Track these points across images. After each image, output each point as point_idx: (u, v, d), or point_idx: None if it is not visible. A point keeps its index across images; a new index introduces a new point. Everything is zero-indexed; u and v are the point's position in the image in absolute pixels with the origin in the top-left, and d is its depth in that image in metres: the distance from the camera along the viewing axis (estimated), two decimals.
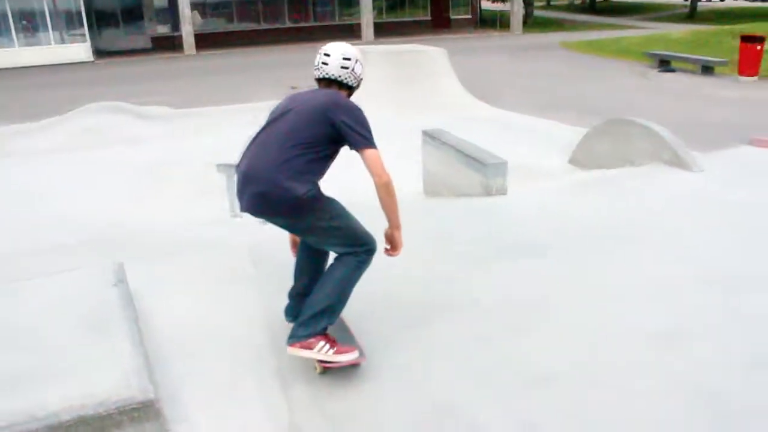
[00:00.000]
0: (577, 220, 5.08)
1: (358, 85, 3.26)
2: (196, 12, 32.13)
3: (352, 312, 3.29)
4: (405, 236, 3.13)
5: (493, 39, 30.32)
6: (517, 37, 30.87)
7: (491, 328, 3.46)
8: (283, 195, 2.90)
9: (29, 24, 26.86)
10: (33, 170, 9.23)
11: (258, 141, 3.11)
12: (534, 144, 9.28)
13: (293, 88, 16.26)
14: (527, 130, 10.47)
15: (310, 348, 3.03)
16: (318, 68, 3.19)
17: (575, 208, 5.43)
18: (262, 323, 3.56)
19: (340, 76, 3.16)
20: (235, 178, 3.20)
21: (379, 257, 3.13)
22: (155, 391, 2.55)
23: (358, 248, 3.09)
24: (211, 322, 3.59)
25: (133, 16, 31.22)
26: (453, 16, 35.99)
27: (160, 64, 25.46)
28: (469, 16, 36.57)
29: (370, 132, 3.00)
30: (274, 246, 4.10)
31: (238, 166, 3.14)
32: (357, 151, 2.98)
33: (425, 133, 6.63)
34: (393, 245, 3.10)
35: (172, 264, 4.34)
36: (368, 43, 28.71)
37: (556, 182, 6.57)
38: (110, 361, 2.70)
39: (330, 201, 3.08)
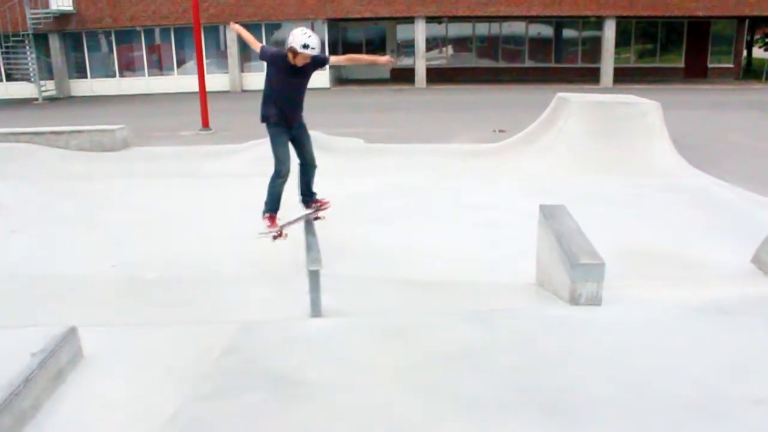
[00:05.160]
0: (680, 372, 3.36)
1: (291, 49, 5.54)
2: (449, 46, 32.96)
3: None
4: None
5: (751, 92, 26.43)
6: None
7: None
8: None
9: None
10: (188, 192, 9.62)
11: None
12: (720, 227, 7.41)
13: (501, 131, 15.40)
14: (723, 207, 8.38)
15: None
16: None
17: (696, 348, 3.61)
18: None
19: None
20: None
21: None
22: None
23: (275, 165, 5.82)
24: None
25: (380, 47, 32.66)
26: (711, 65, 32.24)
27: (387, 95, 26.19)
28: (731, 66, 32.50)
29: (261, 53, 5.87)
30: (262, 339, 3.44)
31: None
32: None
33: (542, 209, 5.51)
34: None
35: (149, 334, 3.89)
36: (605, 88, 26.88)
37: (704, 293, 4.89)
38: None
39: (275, 129, 5.82)
